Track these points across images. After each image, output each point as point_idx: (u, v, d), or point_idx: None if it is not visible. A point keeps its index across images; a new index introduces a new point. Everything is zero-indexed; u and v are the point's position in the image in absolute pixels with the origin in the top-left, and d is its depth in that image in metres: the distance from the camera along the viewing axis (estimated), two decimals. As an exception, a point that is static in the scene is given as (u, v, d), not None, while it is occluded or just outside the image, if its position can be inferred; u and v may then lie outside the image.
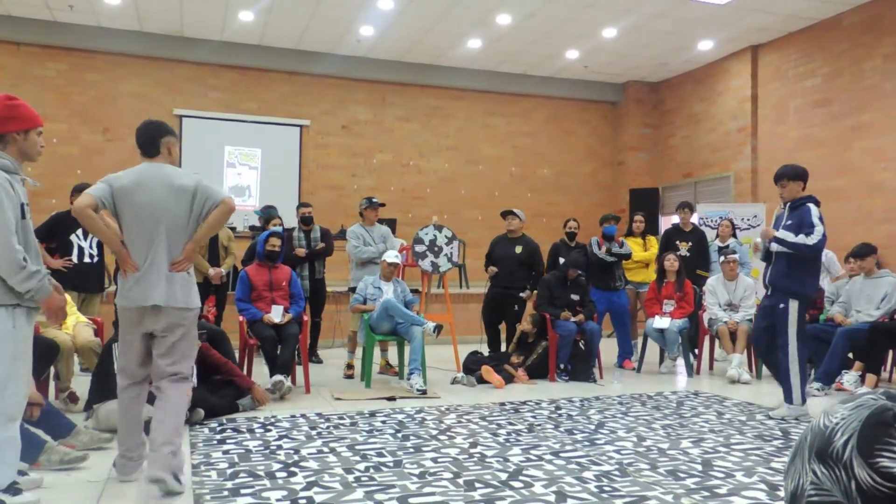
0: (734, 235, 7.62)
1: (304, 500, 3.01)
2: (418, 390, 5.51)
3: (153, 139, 3.31)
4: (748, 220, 9.20)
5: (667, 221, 9.63)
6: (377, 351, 6.49)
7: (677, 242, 7.57)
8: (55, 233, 5.71)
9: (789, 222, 4.77)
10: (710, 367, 7.13)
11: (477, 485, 3.25)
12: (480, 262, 7.36)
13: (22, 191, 2.91)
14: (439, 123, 11.17)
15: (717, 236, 7.68)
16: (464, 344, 7.30)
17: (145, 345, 3.27)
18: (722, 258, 6.80)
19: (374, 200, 6.88)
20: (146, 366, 3.30)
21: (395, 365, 6.57)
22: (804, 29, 9.11)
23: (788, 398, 4.77)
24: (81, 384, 4.87)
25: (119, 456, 3.30)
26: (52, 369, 4.72)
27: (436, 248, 6.84)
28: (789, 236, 4.67)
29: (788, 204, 4.86)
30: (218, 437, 4.12)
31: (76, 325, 4.93)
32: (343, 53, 10.32)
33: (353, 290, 6.53)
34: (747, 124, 10.01)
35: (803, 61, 9.19)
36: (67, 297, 4.99)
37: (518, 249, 6.83)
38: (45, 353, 4.34)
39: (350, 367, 6.44)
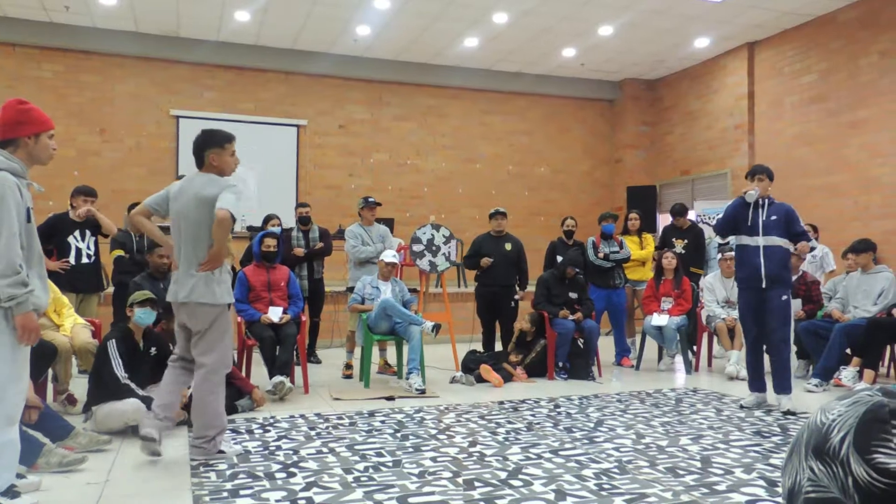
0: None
1: (303, 501, 3.01)
2: (417, 390, 5.52)
3: (197, 152, 3.71)
4: (745, 216, 9.19)
5: (664, 219, 9.63)
6: (375, 350, 6.49)
7: (673, 240, 7.57)
8: (53, 234, 5.71)
9: (773, 217, 4.92)
10: (709, 364, 7.14)
11: (476, 484, 3.25)
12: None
13: (28, 195, 2.91)
14: (436, 122, 11.17)
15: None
16: (462, 343, 7.31)
17: (187, 334, 3.72)
18: (719, 255, 6.81)
19: (371, 200, 6.90)
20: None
21: (393, 364, 6.57)
22: (800, 25, 9.11)
23: (789, 389, 4.84)
24: (80, 386, 4.86)
25: (147, 411, 3.74)
26: (50, 371, 4.71)
27: (434, 248, 6.84)
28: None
29: (767, 199, 4.99)
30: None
31: (74, 327, 4.91)
32: (339, 53, 10.31)
33: (351, 289, 6.54)
34: (744, 121, 10.01)
35: (799, 58, 9.19)
36: (65, 298, 5.03)
37: (508, 247, 6.86)
38: (43, 356, 4.33)
39: (349, 367, 6.44)
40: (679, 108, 11.33)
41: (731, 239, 7.42)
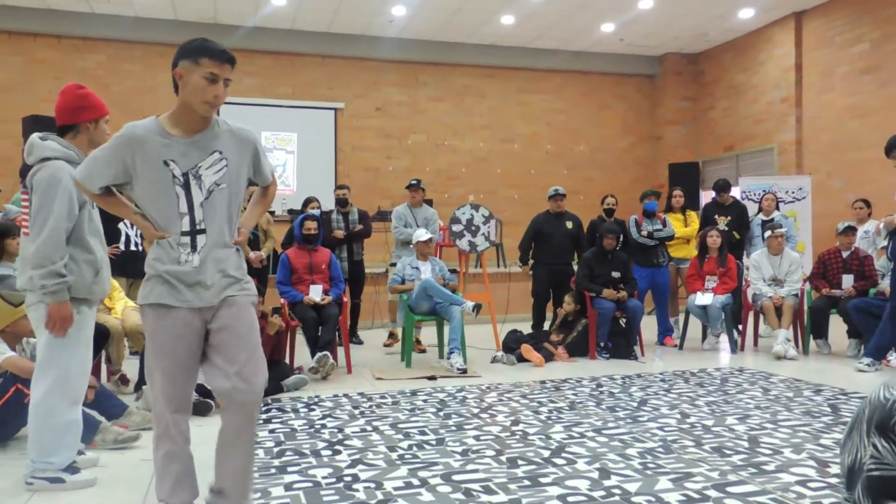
0: (778, 209, 7.43)
1: (349, 478, 3.06)
2: (458, 369, 5.54)
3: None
4: (793, 192, 8.96)
5: (707, 196, 9.43)
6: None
7: (716, 217, 7.42)
8: (104, 221, 5.85)
9: None
10: (755, 344, 7.00)
11: (520, 462, 3.26)
12: (517, 242, 7.33)
13: None
14: (473, 102, 11.10)
15: (760, 210, 7.50)
16: (503, 323, 7.30)
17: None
18: (768, 232, 6.64)
19: (413, 182, 6.94)
20: None
21: (424, 343, 6.64)
22: (851, -8, 8.77)
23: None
24: (131, 367, 5.01)
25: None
26: (104, 353, 4.86)
27: (473, 228, 6.83)
28: None
29: None
30: (264, 416, 4.20)
31: (125, 310, 5.06)
32: (375, 34, 10.30)
33: (394, 265, 6.71)
34: (791, 94, 9.71)
35: (850, 27, 8.85)
36: (115, 282, 5.17)
37: (569, 225, 6.88)
38: (97, 338, 4.46)
39: (391, 335, 6.58)
40: (722, 81, 11.04)
41: (776, 214, 7.29)
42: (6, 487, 2.99)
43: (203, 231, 2.33)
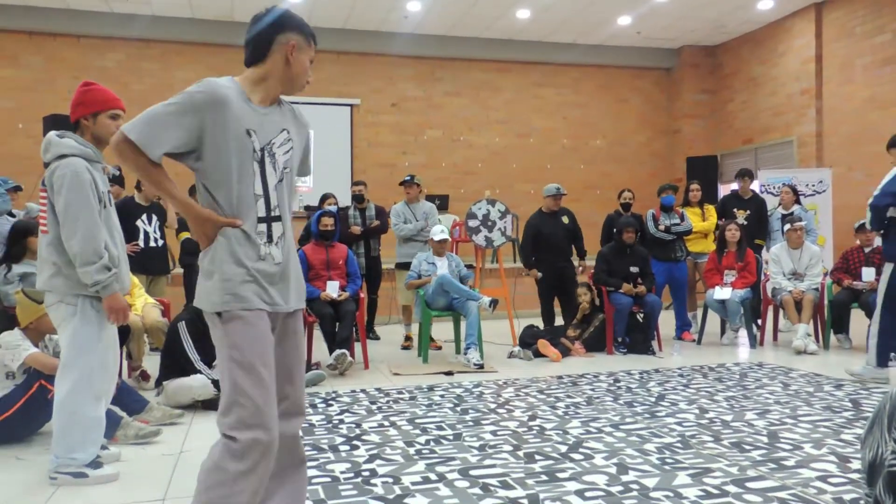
0: (798, 202, 7.34)
1: (367, 472, 3.08)
2: (475, 364, 5.54)
3: (267, 37, 2.28)
4: (813, 185, 8.85)
5: (726, 190, 9.34)
6: (415, 327, 6.60)
7: (734, 210, 7.34)
8: (121, 218, 5.91)
9: None
10: (774, 338, 6.93)
11: (537, 457, 3.26)
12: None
13: (102, 179, 2.98)
14: (488, 97, 11.07)
15: (780, 204, 7.40)
16: (519, 318, 7.29)
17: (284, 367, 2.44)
18: (787, 225, 6.56)
19: (407, 178, 6.96)
20: None
21: (437, 339, 6.69)
22: (872, -19, 8.63)
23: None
24: (152, 363, 5.07)
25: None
26: (125, 349, 4.93)
27: (489, 223, 6.82)
28: None
29: None
30: (282, 412, 4.24)
31: (145, 307, 5.12)
32: (390, 30, 10.30)
33: (398, 265, 6.81)
34: (811, 86, 9.58)
35: (871, 17, 8.71)
36: (135, 279, 5.23)
37: (565, 220, 6.83)
38: (118, 334, 4.53)
39: (408, 338, 6.70)
40: (741, 74, 10.92)
41: (796, 208, 7.17)
42: (31, 482, 3.05)
43: (279, 218, 2.00)
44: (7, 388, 3.52)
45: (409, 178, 6.99)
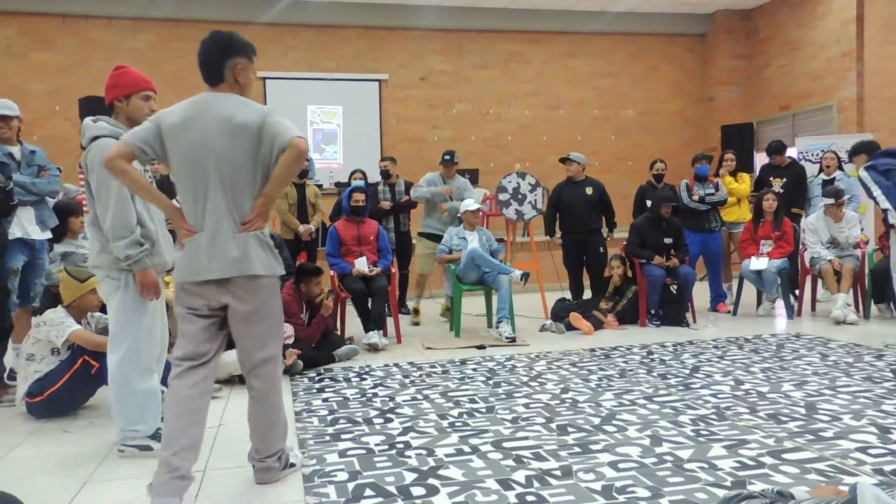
0: (841, 168, 7.11)
1: (401, 445, 3.12)
2: (507, 338, 5.56)
3: (217, 62, 2.61)
4: (854, 151, 8.58)
5: (763, 158, 9.12)
6: (427, 303, 6.64)
7: (771, 178, 7.17)
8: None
9: None
10: (812, 309, 6.81)
11: (570, 429, 3.27)
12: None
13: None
14: (517, 69, 10.92)
15: (821, 170, 7.18)
16: (551, 291, 7.27)
17: (215, 319, 2.62)
18: (829, 200, 6.32)
19: (447, 157, 6.82)
20: (211, 342, 2.62)
21: (466, 311, 6.69)
22: (918, -64, 8.26)
23: None
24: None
25: (162, 463, 2.43)
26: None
27: (520, 196, 6.78)
28: None
29: None
30: (317, 385, 4.31)
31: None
32: (417, 3, 10.19)
33: (421, 234, 6.81)
34: (852, 48, 9.25)
35: (917, -27, 8.35)
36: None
37: (589, 191, 6.72)
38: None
39: (416, 312, 6.66)
40: (778, 38, 10.58)
41: (838, 174, 6.97)
42: (79, 454, 3.15)
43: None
44: (53, 364, 3.64)
45: (448, 157, 6.84)
